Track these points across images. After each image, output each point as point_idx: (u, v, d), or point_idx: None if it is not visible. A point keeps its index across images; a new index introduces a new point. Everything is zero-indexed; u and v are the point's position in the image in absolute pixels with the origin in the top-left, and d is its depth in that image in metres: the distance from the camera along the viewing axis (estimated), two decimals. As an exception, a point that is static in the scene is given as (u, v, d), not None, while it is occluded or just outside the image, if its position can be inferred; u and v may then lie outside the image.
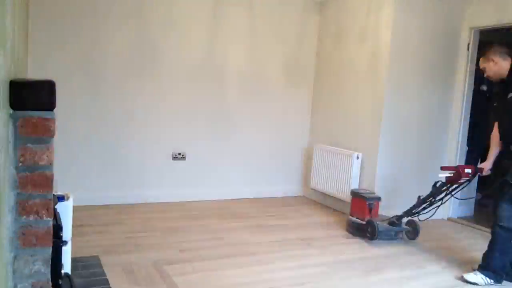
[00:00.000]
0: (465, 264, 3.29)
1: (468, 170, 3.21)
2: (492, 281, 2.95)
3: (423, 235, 3.99)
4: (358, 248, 3.52)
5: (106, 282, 2.54)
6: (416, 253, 3.49)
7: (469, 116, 4.53)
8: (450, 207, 4.57)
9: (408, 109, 4.31)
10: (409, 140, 4.35)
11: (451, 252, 3.55)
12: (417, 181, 4.41)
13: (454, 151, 4.53)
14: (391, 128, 4.24)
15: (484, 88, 5.02)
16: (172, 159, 4.52)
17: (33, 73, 3.65)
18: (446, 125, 4.52)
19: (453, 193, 3.40)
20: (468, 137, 4.59)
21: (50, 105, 1.29)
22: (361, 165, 4.36)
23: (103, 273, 2.65)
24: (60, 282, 1.66)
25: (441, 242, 3.82)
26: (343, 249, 3.47)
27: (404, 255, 3.42)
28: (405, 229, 3.78)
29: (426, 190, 3.83)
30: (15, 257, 1.28)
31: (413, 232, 3.79)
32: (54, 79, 1.33)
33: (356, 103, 4.50)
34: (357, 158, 4.36)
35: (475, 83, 4.59)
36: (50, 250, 1.34)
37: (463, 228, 4.31)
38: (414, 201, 3.60)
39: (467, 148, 4.63)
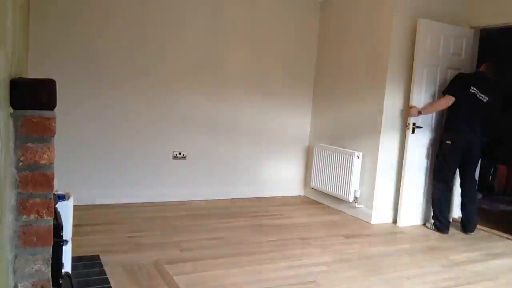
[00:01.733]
0: (465, 264, 3.30)
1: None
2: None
3: (423, 235, 4.00)
4: (358, 248, 3.52)
5: (106, 281, 2.54)
6: (416, 253, 3.49)
7: (469, 116, 4.51)
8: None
9: (407, 109, 4.30)
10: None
11: (451, 252, 3.56)
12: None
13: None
14: (392, 127, 4.23)
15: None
16: (172, 158, 4.52)
17: (33, 73, 3.65)
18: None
19: None
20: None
21: (50, 104, 1.29)
22: (362, 164, 4.36)
23: (103, 273, 2.65)
24: (60, 282, 1.66)
25: (441, 242, 3.82)
26: (343, 249, 3.47)
27: (404, 255, 3.42)
28: None
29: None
30: (15, 257, 1.28)
31: None
32: (54, 78, 1.33)
33: (357, 102, 4.49)
34: (358, 157, 4.35)
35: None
36: (50, 250, 1.33)
37: (464, 228, 4.30)
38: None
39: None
